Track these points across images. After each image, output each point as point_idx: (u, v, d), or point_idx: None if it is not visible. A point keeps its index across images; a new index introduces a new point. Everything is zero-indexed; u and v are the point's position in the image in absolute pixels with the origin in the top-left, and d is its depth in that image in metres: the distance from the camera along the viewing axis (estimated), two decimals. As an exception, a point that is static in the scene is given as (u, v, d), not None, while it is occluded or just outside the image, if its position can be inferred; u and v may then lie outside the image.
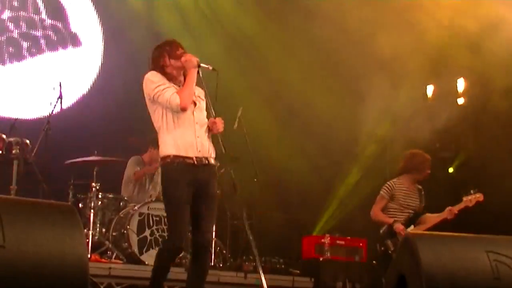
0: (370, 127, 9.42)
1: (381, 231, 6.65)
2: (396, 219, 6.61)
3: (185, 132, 4.75)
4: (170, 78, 4.84)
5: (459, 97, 9.26)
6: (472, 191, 6.64)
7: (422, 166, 6.78)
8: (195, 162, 4.72)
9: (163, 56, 4.88)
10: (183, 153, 4.71)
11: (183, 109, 4.72)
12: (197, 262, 4.82)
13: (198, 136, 4.77)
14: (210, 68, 4.96)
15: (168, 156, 4.74)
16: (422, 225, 6.67)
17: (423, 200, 6.82)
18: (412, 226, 6.60)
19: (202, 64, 4.88)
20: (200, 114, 4.88)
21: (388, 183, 6.81)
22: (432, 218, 6.70)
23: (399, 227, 6.53)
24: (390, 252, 6.52)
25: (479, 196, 6.61)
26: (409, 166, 6.79)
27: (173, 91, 4.74)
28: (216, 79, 4.98)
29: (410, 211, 6.66)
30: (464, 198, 6.62)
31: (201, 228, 4.77)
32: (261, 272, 5.19)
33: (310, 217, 9.28)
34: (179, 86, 4.82)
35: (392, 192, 6.71)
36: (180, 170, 4.69)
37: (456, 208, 6.60)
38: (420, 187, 6.81)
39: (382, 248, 6.61)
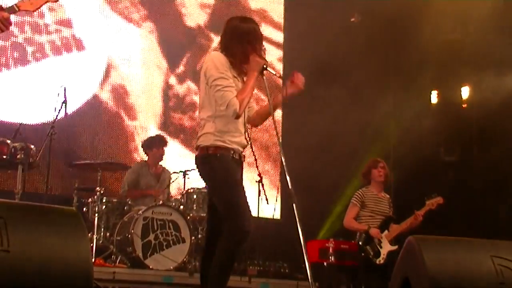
0: (375, 132, 9.43)
1: (359, 242, 7.03)
2: (368, 225, 7.02)
3: (238, 127, 4.45)
4: (235, 63, 4.43)
5: (464, 102, 9.26)
6: (433, 195, 7.14)
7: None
8: (240, 158, 4.49)
9: (247, 42, 4.44)
10: (231, 146, 4.40)
11: (237, 117, 4.37)
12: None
13: (242, 132, 4.52)
14: (278, 75, 4.48)
15: (212, 147, 4.38)
16: (394, 229, 6.94)
17: (392, 207, 7.26)
18: (386, 231, 6.92)
19: (269, 69, 4.43)
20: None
21: (358, 191, 7.26)
22: (402, 223, 7.10)
23: (374, 231, 6.98)
24: (370, 257, 6.96)
25: (439, 199, 7.12)
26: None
27: (234, 92, 4.33)
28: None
29: (382, 216, 6.99)
30: (427, 202, 7.13)
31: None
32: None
33: (315, 222, 9.27)
34: (238, 75, 4.46)
35: (362, 199, 7.15)
36: (232, 160, 4.40)
37: (421, 212, 7.07)
38: (388, 196, 7.15)
39: (363, 255, 7.01)
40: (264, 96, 4.62)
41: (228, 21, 4.59)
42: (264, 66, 4.43)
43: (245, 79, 4.51)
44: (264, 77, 4.46)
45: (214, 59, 4.42)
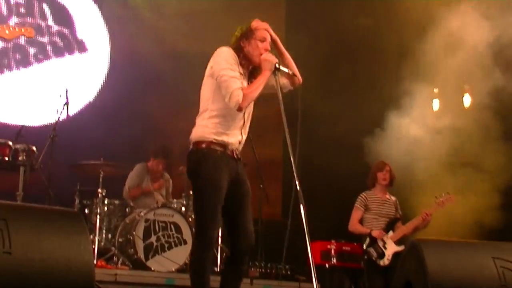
0: (377, 134, 9.40)
1: (364, 245, 7.04)
2: (372, 228, 7.01)
3: (232, 123, 4.42)
4: (243, 60, 4.45)
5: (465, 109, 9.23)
6: (443, 194, 7.06)
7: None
8: (234, 155, 4.43)
9: (249, 38, 4.47)
10: (225, 140, 4.36)
11: (240, 110, 4.33)
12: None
13: (243, 131, 4.49)
14: (290, 72, 4.53)
15: (204, 142, 4.34)
16: (400, 230, 6.94)
17: (399, 209, 7.23)
18: (391, 232, 6.91)
19: (281, 67, 4.48)
20: (249, 108, 4.52)
21: (361, 194, 7.24)
22: (409, 224, 7.06)
23: (376, 232, 6.97)
24: (373, 259, 6.94)
25: (451, 197, 7.05)
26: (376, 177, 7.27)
27: (239, 84, 4.32)
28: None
29: (386, 219, 6.97)
30: (436, 201, 7.04)
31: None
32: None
33: (316, 223, 9.25)
34: (244, 73, 4.46)
35: (365, 202, 7.17)
36: (220, 158, 4.34)
37: (430, 211, 6.99)
38: (394, 198, 7.13)
39: (366, 257, 6.99)
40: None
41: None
42: (277, 64, 4.44)
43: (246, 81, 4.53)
44: (276, 77, 4.46)
45: (224, 53, 4.44)
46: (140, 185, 7.84)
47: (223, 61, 4.38)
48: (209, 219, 4.29)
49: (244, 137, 4.54)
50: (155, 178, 7.96)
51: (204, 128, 4.38)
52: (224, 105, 4.36)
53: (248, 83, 4.50)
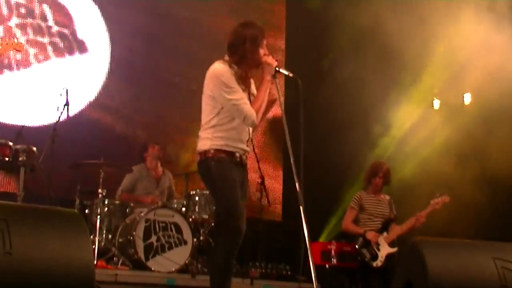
0: (377, 135, 9.42)
1: (356, 245, 7.00)
2: (366, 228, 6.97)
3: (238, 136, 4.47)
4: (243, 71, 4.45)
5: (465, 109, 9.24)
6: (438, 194, 6.99)
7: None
8: (242, 161, 4.50)
9: (256, 47, 4.41)
10: (231, 149, 4.42)
11: (256, 127, 4.48)
12: None
13: (247, 138, 4.54)
14: (290, 74, 4.43)
15: (211, 151, 4.41)
16: (394, 231, 6.91)
17: (393, 208, 7.18)
18: (385, 233, 6.88)
19: (281, 70, 4.45)
20: None
21: (356, 194, 7.23)
22: (403, 225, 7.04)
23: (370, 234, 6.91)
24: (367, 260, 6.92)
25: (445, 198, 6.96)
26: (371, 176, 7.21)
27: (249, 103, 4.38)
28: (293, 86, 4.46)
29: (381, 219, 6.94)
30: (431, 202, 6.98)
31: None
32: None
33: (316, 224, 9.27)
34: (241, 82, 4.45)
35: (360, 202, 7.13)
36: (228, 162, 4.40)
37: (424, 213, 6.96)
38: (388, 197, 7.09)
39: (359, 258, 6.97)
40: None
41: (234, 31, 4.54)
42: (277, 68, 4.43)
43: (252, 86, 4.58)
44: (276, 80, 4.46)
45: (222, 75, 4.38)
46: (135, 187, 7.83)
47: (223, 86, 4.34)
48: (233, 210, 4.33)
49: (249, 148, 4.59)
50: (156, 175, 7.96)
51: (211, 140, 4.42)
52: (230, 121, 4.41)
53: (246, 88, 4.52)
